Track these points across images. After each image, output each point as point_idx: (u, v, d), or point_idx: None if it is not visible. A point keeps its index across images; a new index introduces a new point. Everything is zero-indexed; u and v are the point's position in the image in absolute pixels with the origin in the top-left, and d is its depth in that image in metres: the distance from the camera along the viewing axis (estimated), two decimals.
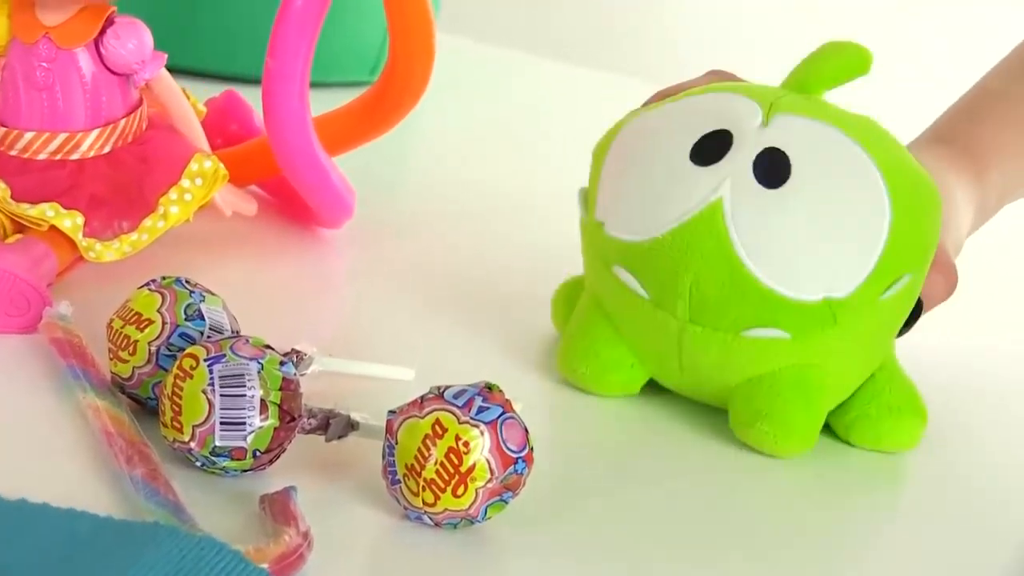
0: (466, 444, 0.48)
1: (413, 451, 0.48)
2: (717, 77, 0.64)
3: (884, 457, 0.60)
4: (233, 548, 0.44)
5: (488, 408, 0.48)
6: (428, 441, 0.48)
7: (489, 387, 0.49)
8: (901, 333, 0.60)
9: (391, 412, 0.49)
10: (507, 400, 0.49)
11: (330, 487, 0.51)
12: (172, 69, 0.67)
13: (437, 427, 0.48)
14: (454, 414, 0.48)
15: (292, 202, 0.74)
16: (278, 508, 0.48)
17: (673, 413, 0.60)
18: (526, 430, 0.49)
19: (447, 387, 0.49)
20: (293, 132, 0.66)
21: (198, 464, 0.50)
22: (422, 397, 0.49)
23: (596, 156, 0.61)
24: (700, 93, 0.60)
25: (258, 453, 0.49)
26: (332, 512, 0.50)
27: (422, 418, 0.48)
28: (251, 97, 0.74)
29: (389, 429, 0.49)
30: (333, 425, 0.51)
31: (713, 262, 0.55)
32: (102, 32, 0.63)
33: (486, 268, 0.71)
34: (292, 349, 0.56)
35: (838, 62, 0.58)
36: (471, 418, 0.48)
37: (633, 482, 0.55)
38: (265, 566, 0.44)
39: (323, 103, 0.72)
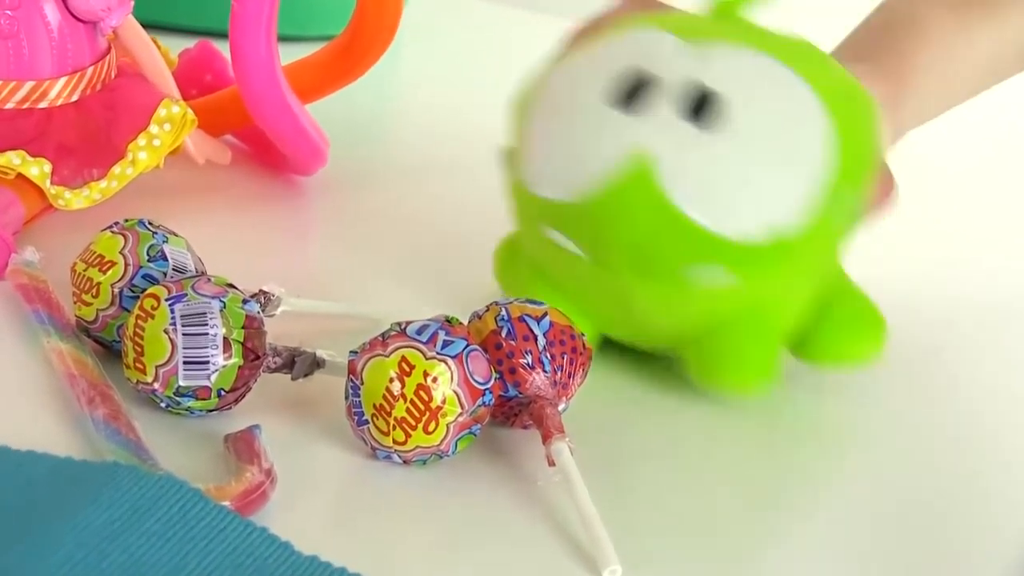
0: (435, 379, 0.47)
1: (381, 390, 0.47)
2: (638, 5, 0.61)
3: (836, 407, 0.58)
4: (193, 486, 0.44)
5: (453, 341, 0.48)
6: (396, 379, 0.47)
7: (449, 320, 0.49)
8: None
9: (353, 352, 0.48)
10: (469, 332, 0.49)
11: (296, 425, 0.50)
12: (149, 24, 0.66)
13: (404, 364, 0.47)
14: (420, 350, 0.47)
15: (267, 151, 0.73)
16: (242, 446, 0.47)
17: (632, 365, 0.58)
18: (489, 361, 0.49)
19: (408, 323, 0.48)
20: (261, 76, 0.65)
21: (163, 405, 0.49)
22: (384, 335, 0.48)
23: (516, 111, 0.59)
24: (619, 33, 0.57)
25: (222, 392, 0.49)
26: (298, 450, 0.49)
27: (387, 356, 0.48)
28: (227, 50, 0.73)
29: (352, 369, 0.48)
30: (298, 363, 0.51)
31: (647, 211, 0.53)
32: None
33: (460, 217, 0.71)
34: (259, 290, 0.55)
35: None
36: (437, 353, 0.47)
37: (594, 429, 0.54)
38: (227, 503, 0.44)
39: (301, 57, 0.72)
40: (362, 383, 0.48)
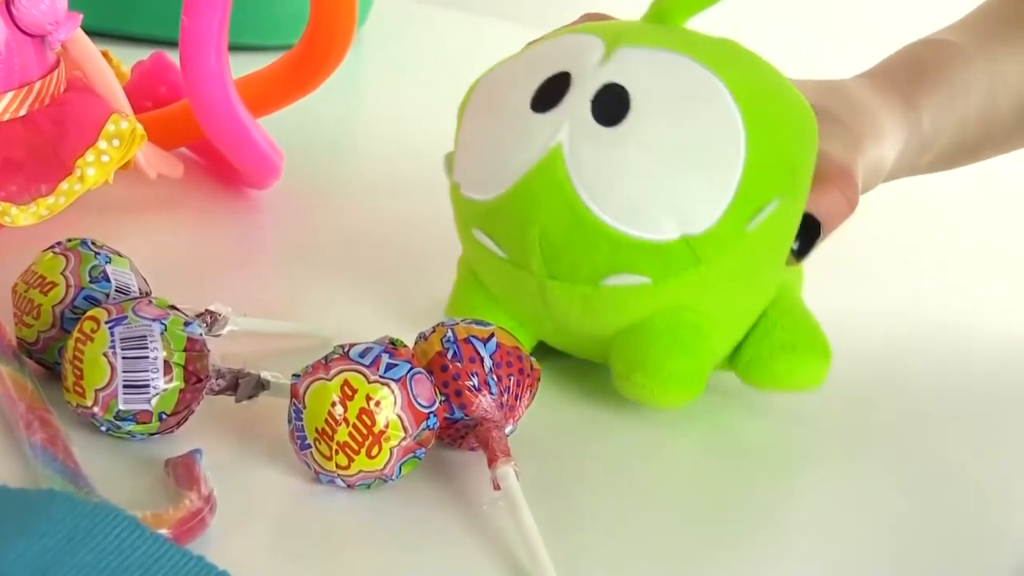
0: (377, 403, 0.47)
1: (323, 414, 0.47)
2: (588, 19, 0.61)
3: (784, 426, 0.57)
4: (129, 514, 0.43)
5: (396, 365, 0.47)
6: (338, 403, 0.47)
7: (393, 343, 0.48)
8: (799, 257, 0.56)
9: (295, 376, 0.48)
10: (413, 355, 0.48)
11: (240, 449, 0.50)
12: (108, 35, 0.65)
13: (346, 388, 0.47)
14: (362, 373, 0.47)
15: (221, 164, 0.72)
16: (182, 472, 0.47)
17: (565, 371, 0.58)
18: (434, 384, 0.48)
19: (351, 345, 0.48)
20: (211, 89, 0.65)
21: (103, 429, 0.48)
22: (326, 357, 0.47)
23: (458, 115, 0.59)
24: (551, 37, 0.58)
25: (164, 416, 0.48)
26: (241, 474, 0.49)
27: (329, 380, 0.47)
28: None
29: (295, 393, 0.47)
30: (242, 385, 0.50)
31: (557, 211, 0.53)
32: None
33: (415, 233, 0.70)
34: (205, 310, 0.54)
35: None
36: (380, 376, 0.47)
37: (541, 450, 0.53)
38: (164, 531, 0.43)
39: (259, 67, 0.71)
40: (304, 407, 0.47)
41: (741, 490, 0.53)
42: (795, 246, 0.56)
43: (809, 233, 0.56)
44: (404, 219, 0.72)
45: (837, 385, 0.58)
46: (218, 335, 0.54)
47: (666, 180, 0.52)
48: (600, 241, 0.52)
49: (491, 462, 0.48)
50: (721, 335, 0.56)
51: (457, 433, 0.50)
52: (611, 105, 0.53)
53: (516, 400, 0.50)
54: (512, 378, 0.50)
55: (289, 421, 0.48)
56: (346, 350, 0.47)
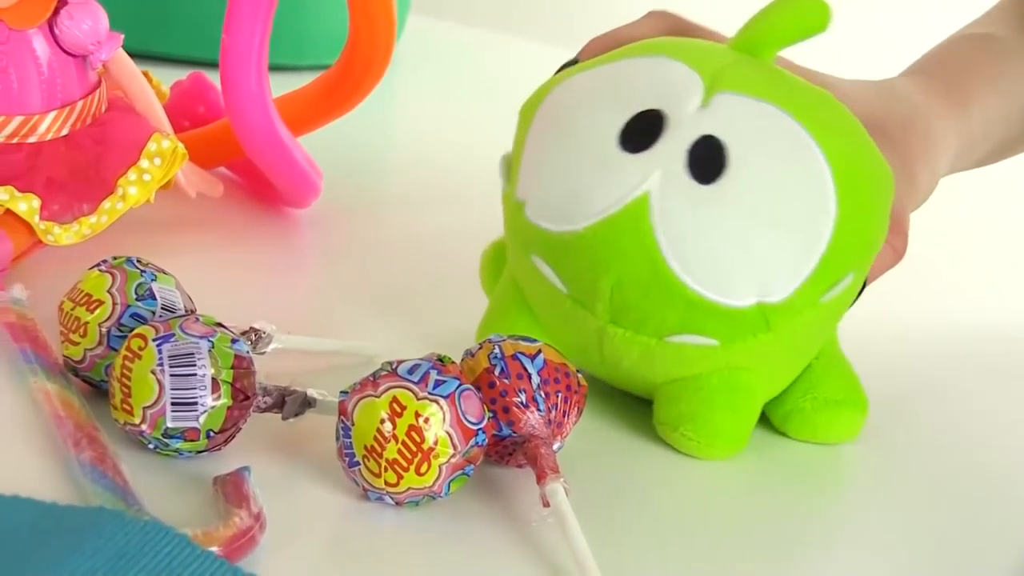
0: (427, 420, 0.46)
1: (372, 432, 0.47)
2: (659, 21, 0.59)
3: (825, 450, 0.57)
4: (180, 532, 0.43)
5: (444, 381, 0.47)
6: (387, 420, 0.46)
7: (441, 359, 0.48)
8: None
9: (343, 392, 0.48)
10: (461, 372, 0.48)
11: (287, 466, 0.50)
12: (144, 55, 0.65)
13: (395, 405, 0.46)
14: (411, 390, 0.47)
15: (260, 183, 0.73)
16: (230, 489, 0.46)
17: (602, 402, 0.57)
18: (482, 400, 0.48)
19: (399, 362, 0.47)
20: (252, 108, 0.65)
21: (151, 447, 0.48)
22: (374, 375, 0.47)
23: (522, 119, 0.56)
24: (636, 54, 0.54)
25: (212, 433, 0.48)
26: (289, 492, 0.48)
27: (378, 397, 0.47)
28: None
29: (343, 410, 0.47)
30: (289, 403, 0.50)
31: (636, 264, 0.51)
32: (55, 13, 0.62)
33: (455, 248, 0.70)
34: (250, 327, 0.54)
35: (791, 19, 0.52)
36: (429, 393, 0.47)
37: (590, 469, 0.52)
38: (214, 549, 0.43)
39: (295, 86, 0.71)
40: (353, 424, 0.47)
41: (785, 506, 0.53)
42: None
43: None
44: (443, 235, 0.72)
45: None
46: (263, 353, 0.54)
47: (753, 247, 0.51)
48: (676, 300, 0.51)
49: (540, 479, 0.47)
50: (768, 392, 0.56)
51: (505, 450, 0.50)
52: (707, 160, 0.51)
53: (564, 417, 0.50)
54: (560, 395, 0.49)
55: (337, 438, 0.48)
56: (394, 367, 0.47)
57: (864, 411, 0.57)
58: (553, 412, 0.49)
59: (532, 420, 0.49)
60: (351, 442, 0.47)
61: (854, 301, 0.55)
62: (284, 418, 0.50)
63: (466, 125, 0.92)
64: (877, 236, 0.54)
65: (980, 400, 0.63)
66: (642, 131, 0.52)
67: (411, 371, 0.47)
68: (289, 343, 0.55)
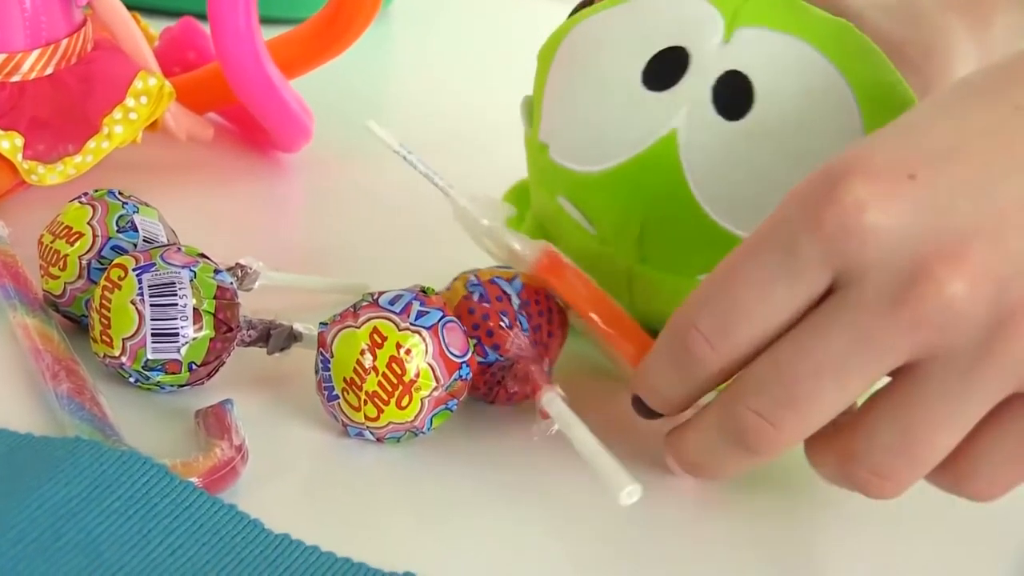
0: (408, 351, 0.45)
1: (351, 363, 0.45)
2: None
3: None
4: (158, 462, 0.42)
5: (427, 312, 0.46)
6: (367, 351, 0.45)
7: (424, 291, 0.46)
8: None
9: (322, 324, 0.46)
10: (445, 303, 0.46)
11: (272, 401, 0.48)
12: (130, 5, 0.64)
13: (376, 336, 0.45)
14: (392, 321, 0.45)
15: (251, 129, 0.71)
16: (212, 421, 0.45)
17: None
18: (466, 332, 0.47)
19: (381, 293, 0.46)
20: (241, 49, 0.63)
21: (131, 380, 0.47)
22: (355, 305, 0.46)
23: (541, 62, 0.55)
24: None
25: (194, 366, 0.47)
26: (273, 426, 0.47)
27: (358, 328, 0.45)
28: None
29: (322, 342, 0.46)
30: (274, 336, 0.49)
31: (665, 201, 0.49)
32: None
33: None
34: (236, 263, 0.53)
35: None
36: (411, 324, 0.45)
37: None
38: (194, 479, 0.42)
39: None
40: (332, 356, 0.46)
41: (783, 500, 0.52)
42: None
43: None
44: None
45: None
46: (249, 289, 0.53)
47: (783, 182, 0.47)
48: (706, 237, 0.49)
49: (534, 392, 0.46)
50: None
51: (493, 378, 0.48)
52: (734, 96, 0.49)
53: (549, 337, 0.48)
54: (543, 315, 0.48)
55: (316, 371, 0.46)
56: (375, 297, 0.46)
57: None
58: (538, 332, 0.48)
59: (518, 340, 0.47)
60: (330, 375, 0.46)
61: None
62: (269, 352, 0.49)
63: (465, 73, 0.90)
64: None
65: None
66: (665, 69, 0.51)
67: (393, 302, 0.46)
68: (276, 279, 0.54)
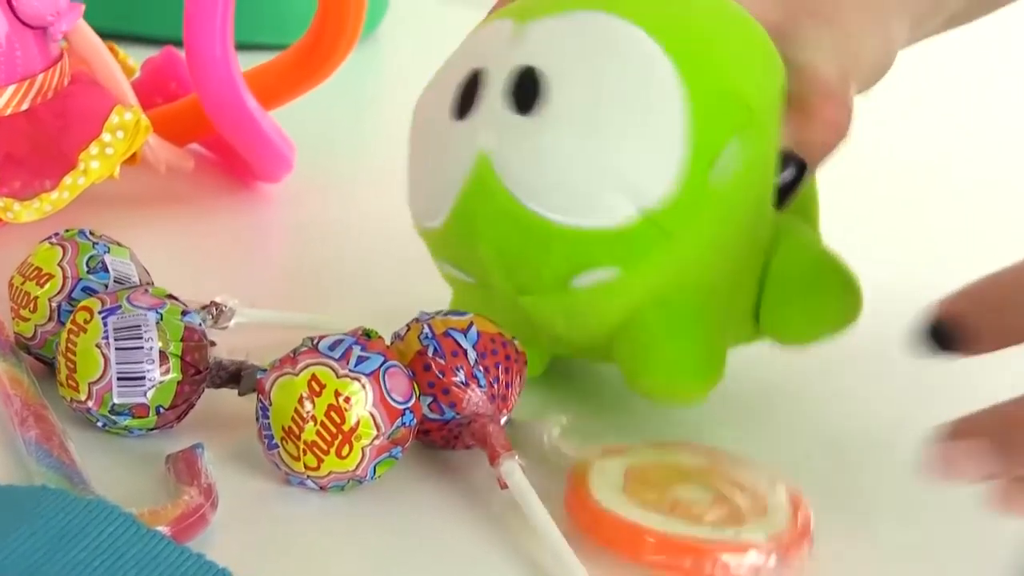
0: (347, 399, 0.44)
1: (290, 412, 0.44)
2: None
3: (822, 442, 0.54)
4: (125, 511, 0.41)
5: (368, 358, 0.44)
6: (305, 400, 0.44)
7: (367, 334, 0.45)
8: (783, 200, 0.49)
9: (261, 371, 0.45)
10: (388, 347, 0.45)
11: (245, 443, 0.47)
12: (111, 34, 0.64)
13: (314, 383, 0.44)
14: (331, 367, 0.44)
15: (233, 159, 0.71)
16: (182, 467, 0.45)
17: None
18: (411, 377, 0.45)
19: (321, 337, 0.45)
20: (217, 77, 0.63)
21: (100, 425, 0.46)
22: (295, 351, 0.45)
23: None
24: (467, 36, 0.52)
25: (161, 409, 0.46)
26: (245, 469, 0.46)
27: (296, 375, 0.44)
28: None
29: (260, 389, 0.45)
30: (245, 377, 0.48)
31: (499, 222, 0.48)
32: None
33: None
34: (211, 302, 0.53)
35: None
36: (350, 370, 0.44)
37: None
38: (162, 528, 0.41)
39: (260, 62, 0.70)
40: (271, 404, 0.44)
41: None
42: (778, 187, 0.50)
43: (793, 172, 0.49)
44: None
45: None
46: (224, 327, 0.52)
47: (601, 155, 0.46)
48: (552, 242, 0.47)
49: (492, 459, 0.45)
50: (720, 307, 0.50)
51: (451, 434, 0.47)
52: (526, 91, 0.47)
53: (507, 388, 0.47)
54: (500, 366, 0.47)
55: (256, 419, 0.45)
56: (315, 342, 0.45)
57: (854, 290, 0.50)
58: (496, 386, 0.47)
59: (474, 398, 0.46)
60: (269, 423, 0.45)
61: (799, 183, 0.50)
62: (240, 394, 0.48)
63: None
64: (751, 92, 0.48)
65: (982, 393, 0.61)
66: (467, 95, 0.49)
67: (332, 347, 0.44)
68: (252, 317, 0.54)
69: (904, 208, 0.78)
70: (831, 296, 0.50)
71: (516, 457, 0.45)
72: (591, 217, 0.47)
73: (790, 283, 0.50)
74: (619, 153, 0.47)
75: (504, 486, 0.45)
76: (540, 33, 0.48)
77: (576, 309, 0.49)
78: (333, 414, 0.44)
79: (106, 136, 0.61)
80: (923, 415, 0.56)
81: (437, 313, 0.48)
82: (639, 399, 0.51)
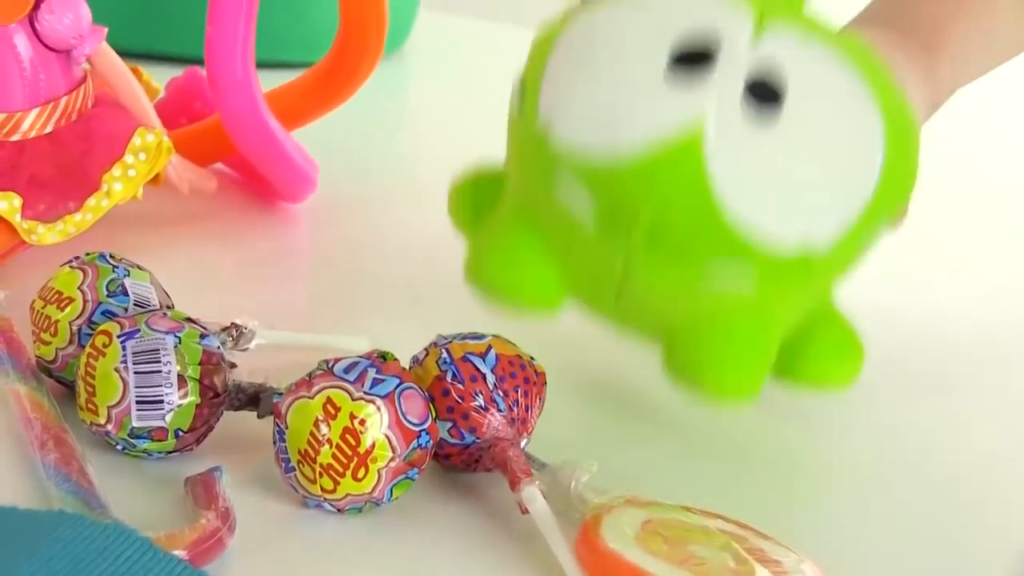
0: (362, 422, 0.44)
1: (306, 435, 0.44)
2: None
3: (821, 440, 0.55)
4: (142, 535, 0.41)
5: (383, 380, 0.44)
6: (321, 423, 0.44)
7: (383, 356, 0.45)
8: None
9: (277, 394, 0.45)
10: (403, 369, 0.45)
11: (263, 465, 0.47)
12: (145, 55, 0.64)
13: (329, 406, 0.44)
14: (346, 390, 0.44)
15: (256, 179, 0.71)
16: (200, 490, 0.45)
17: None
18: (427, 399, 0.45)
19: (336, 360, 0.45)
20: (239, 98, 0.63)
21: (119, 448, 0.47)
22: (310, 374, 0.45)
23: (539, 49, 0.52)
24: None
25: (180, 433, 0.46)
26: (264, 492, 0.46)
27: (312, 398, 0.44)
28: None
29: (277, 413, 0.45)
30: (264, 400, 0.48)
31: (684, 194, 0.47)
32: (36, 8, 0.60)
33: (448, 246, 0.68)
34: (231, 323, 0.53)
35: None
36: (365, 393, 0.44)
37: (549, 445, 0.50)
38: (179, 552, 0.41)
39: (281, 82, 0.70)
40: (287, 427, 0.44)
41: (779, 492, 0.51)
42: None
43: None
44: (440, 232, 0.70)
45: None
46: (245, 349, 0.52)
47: (805, 186, 0.48)
48: (721, 233, 0.47)
49: (513, 484, 0.45)
50: (780, 335, 0.52)
51: (471, 457, 0.47)
52: (764, 96, 0.47)
53: (527, 412, 0.47)
54: (519, 390, 0.47)
55: (273, 442, 0.45)
56: (330, 365, 0.45)
57: (861, 356, 0.53)
58: (515, 409, 0.47)
59: (494, 423, 0.46)
60: (286, 446, 0.45)
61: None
62: (260, 416, 0.48)
63: (471, 121, 0.89)
64: (911, 182, 0.52)
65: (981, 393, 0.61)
66: (694, 57, 0.48)
67: (347, 370, 0.44)
68: (273, 339, 0.54)
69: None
70: (845, 362, 0.53)
71: (537, 483, 0.45)
72: (769, 231, 0.48)
73: (820, 341, 0.52)
74: (823, 193, 0.48)
75: (525, 511, 0.44)
76: (784, 44, 0.49)
77: (686, 293, 0.49)
78: (348, 437, 0.44)
79: (129, 158, 0.61)
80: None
81: (455, 336, 0.48)
82: (686, 457, 0.52)
